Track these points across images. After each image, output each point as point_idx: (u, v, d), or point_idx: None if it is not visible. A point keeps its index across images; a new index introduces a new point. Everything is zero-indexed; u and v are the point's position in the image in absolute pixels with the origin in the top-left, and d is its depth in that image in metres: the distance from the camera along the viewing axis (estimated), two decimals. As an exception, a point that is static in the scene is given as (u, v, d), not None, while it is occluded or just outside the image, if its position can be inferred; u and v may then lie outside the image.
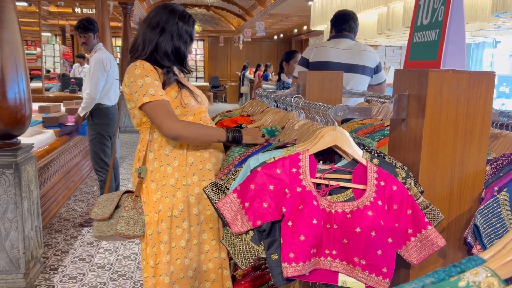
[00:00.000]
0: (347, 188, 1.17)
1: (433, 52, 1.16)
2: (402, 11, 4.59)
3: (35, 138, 3.72)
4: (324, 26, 6.87)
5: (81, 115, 3.89)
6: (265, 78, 11.42)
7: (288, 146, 1.28)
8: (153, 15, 1.85)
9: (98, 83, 3.81)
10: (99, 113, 3.93)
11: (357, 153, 1.19)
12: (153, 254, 1.79)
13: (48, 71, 11.90)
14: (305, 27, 13.18)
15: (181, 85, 1.82)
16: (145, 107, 1.71)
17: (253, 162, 1.23)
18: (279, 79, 4.74)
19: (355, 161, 1.19)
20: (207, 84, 17.04)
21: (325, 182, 1.17)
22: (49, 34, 14.37)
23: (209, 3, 13.42)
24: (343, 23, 3.01)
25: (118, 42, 13.01)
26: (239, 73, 15.99)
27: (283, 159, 1.16)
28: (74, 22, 4.09)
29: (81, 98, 4.34)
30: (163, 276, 1.79)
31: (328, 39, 3.10)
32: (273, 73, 11.73)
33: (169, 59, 1.83)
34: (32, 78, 9.57)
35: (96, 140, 3.93)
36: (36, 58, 10.79)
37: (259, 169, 1.16)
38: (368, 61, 2.91)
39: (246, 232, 1.16)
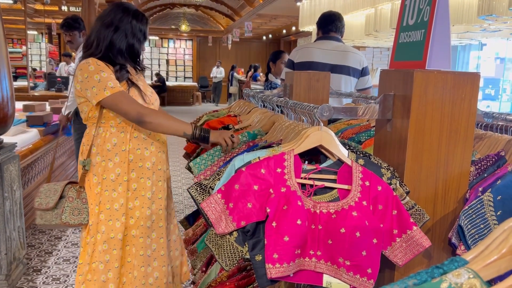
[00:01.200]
0: (332, 188, 1.16)
1: (419, 52, 1.16)
2: (390, 13, 4.62)
3: (19, 137, 3.65)
4: (312, 27, 6.88)
5: (65, 113, 3.83)
6: (254, 78, 11.46)
7: (273, 146, 1.27)
8: (107, 13, 1.90)
9: None
10: (85, 112, 3.87)
11: (343, 153, 1.18)
12: (91, 243, 1.86)
13: (34, 70, 11.74)
14: (293, 28, 13.23)
15: (130, 83, 1.89)
16: (107, 100, 1.76)
17: (238, 162, 1.21)
18: (266, 79, 4.74)
19: (340, 161, 1.18)
20: (195, 84, 16.98)
21: (310, 182, 1.16)
22: (35, 33, 14.20)
23: (197, 2, 13.38)
24: (329, 24, 3.01)
25: (106, 41, 12.88)
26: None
27: (268, 159, 1.15)
28: (61, 20, 4.04)
29: (67, 97, 4.27)
30: (97, 263, 1.87)
31: (315, 41, 3.10)
32: (261, 74, 11.77)
33: (122, 56, 1.88)
34: (18, 76, 9.43)
35: (81, 140, 3.87)
36: (21, 57, 10.66)
37: (243, 169, 1.14)
38: (353, 62, 2.90)
39: (230, 233, 1.15)
